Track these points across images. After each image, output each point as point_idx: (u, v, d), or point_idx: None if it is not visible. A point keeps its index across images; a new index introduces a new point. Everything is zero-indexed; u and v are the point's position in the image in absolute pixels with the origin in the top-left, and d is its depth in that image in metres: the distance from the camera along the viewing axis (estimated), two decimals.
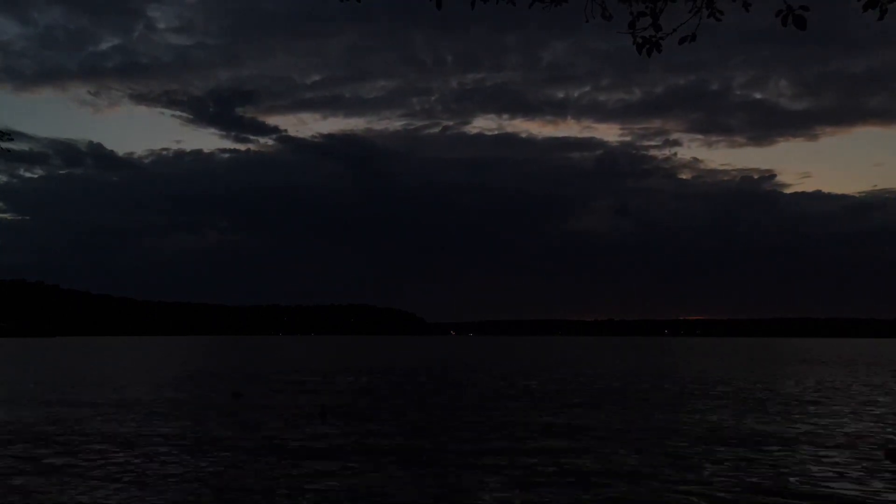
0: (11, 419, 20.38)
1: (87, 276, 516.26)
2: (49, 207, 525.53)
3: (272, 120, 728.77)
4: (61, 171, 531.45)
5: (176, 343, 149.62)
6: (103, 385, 33.17)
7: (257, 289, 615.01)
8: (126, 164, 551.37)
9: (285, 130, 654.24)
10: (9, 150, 26.72)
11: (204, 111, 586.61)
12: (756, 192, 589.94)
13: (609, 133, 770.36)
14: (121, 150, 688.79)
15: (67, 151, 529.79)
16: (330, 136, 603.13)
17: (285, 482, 12.17)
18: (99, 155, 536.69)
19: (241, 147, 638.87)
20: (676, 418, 20.62)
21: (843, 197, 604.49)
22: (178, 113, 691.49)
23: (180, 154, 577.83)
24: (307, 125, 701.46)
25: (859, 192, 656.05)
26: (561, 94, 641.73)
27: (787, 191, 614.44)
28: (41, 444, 16.05)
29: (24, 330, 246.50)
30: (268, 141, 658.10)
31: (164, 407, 23.62)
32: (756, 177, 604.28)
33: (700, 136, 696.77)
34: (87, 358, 68.03)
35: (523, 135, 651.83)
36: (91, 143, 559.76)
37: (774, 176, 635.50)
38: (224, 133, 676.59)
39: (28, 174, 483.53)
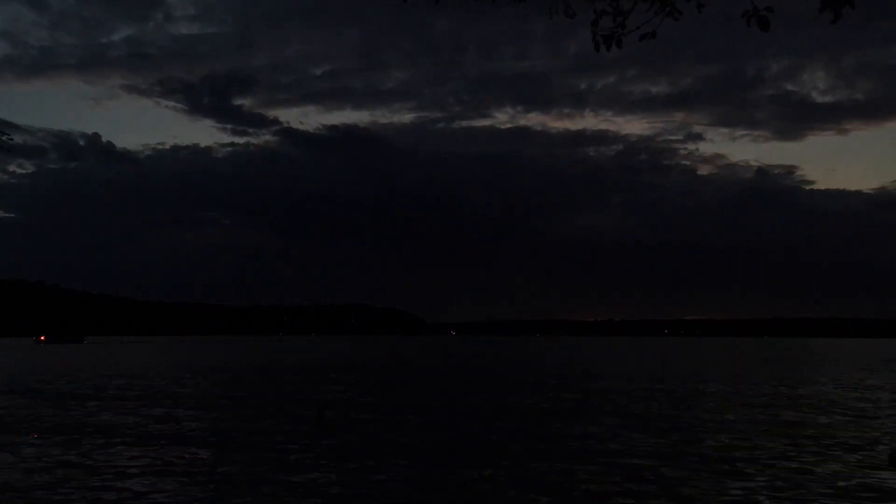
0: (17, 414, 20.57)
1: (87, 276, 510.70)
2: (43, 204, 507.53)
3: (277, 112, 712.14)
4: (55, 166, 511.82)
5: (175, 343, 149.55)
6: (102, 384, 33.33)
7: (257, 289, 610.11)
8: (124, 158, 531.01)
9: (288, 123, 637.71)
10: (9, 150, 26.89)
11: (206, 104, 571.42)
12: (774, 188, 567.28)
13: (629, 126, 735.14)
14: (119, 142, 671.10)
15: (64, 144, 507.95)
16: (335, 130, 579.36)
17: (280, 486, 12.34)
18: (97, 148, 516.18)
19: (243, 140, 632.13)
20: None
21: (858, 194, 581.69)
22: (179, 105, 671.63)
23: (181, 148, 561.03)
24: (313, 117, 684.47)
25: (873, 189, 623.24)
26: (583, 85, 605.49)
27: (808, 187, 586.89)
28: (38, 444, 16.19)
29: (24, 330, 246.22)
30: (270, 135, 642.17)
31: (163, 407, 23.78)
32: (776, 173, 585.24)
33: (725, 130, 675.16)
34: (88, 358, 68.13)
35: (538, 128, 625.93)
36: (89, 135, 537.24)
37: (796, 172, 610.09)
38: (226, 126, 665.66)
39: (21, 170, 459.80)
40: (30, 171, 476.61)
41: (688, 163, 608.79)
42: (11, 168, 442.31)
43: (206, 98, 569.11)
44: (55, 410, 21.66)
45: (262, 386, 31.95)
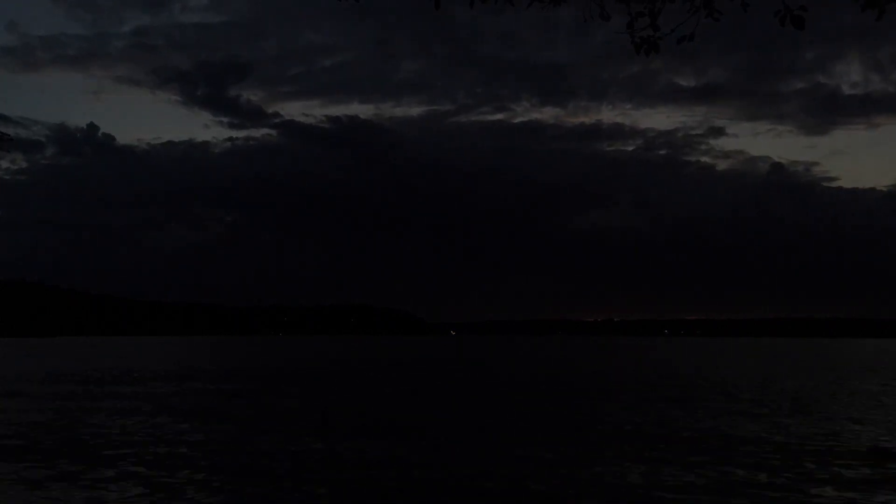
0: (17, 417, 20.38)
1: (87, 276, 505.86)
2: (38, 201, 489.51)
3: (282, 105, 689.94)
4: (51, 161, 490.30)
5: (175, 343, 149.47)
6: (103, 384, 33.13)
7: (257, 289, 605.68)
8: (124, 152, 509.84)
9: (292, 116, 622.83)
10: (8, 152, 26.71)
11: (209, 96, 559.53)
12: (790, 185, 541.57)
13: (648, 120, 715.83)
14: (119, 136, 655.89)
15: (62, 138, 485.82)
16: (339, 123, 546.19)
17: (283, 487, 12.15)
18: (95, 143, 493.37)
19: (246, 134, 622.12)
20: None
21: (872, 191, 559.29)
22: (181, 98, 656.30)
23: (181, 142, 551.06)
24: (319, 110, 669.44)
25: (886, 186, 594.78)
26: (605, 76, 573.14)
27: (828, 184, 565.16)
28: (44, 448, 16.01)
29: (24, 330, 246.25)
30: (272, 128, 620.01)
31: (164, 406, 23.57)
32: (795, 169, 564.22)
33: (748, 124, 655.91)
34: (88, 358, 67.92)
35: (551, 122, 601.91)
36: (87, 129, 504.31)
37: (816, 168, 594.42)
38: (228, 119, 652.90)
39: (14, 166, 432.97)
40: (24, 167, 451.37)
41: (707, 158, 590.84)
42: (5, 165, 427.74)
43: (210, 90, 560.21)
44: None
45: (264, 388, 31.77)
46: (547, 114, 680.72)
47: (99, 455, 14.53)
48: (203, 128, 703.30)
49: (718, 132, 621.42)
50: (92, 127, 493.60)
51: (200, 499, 11.06)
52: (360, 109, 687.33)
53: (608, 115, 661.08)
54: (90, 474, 12.66)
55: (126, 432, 17.67)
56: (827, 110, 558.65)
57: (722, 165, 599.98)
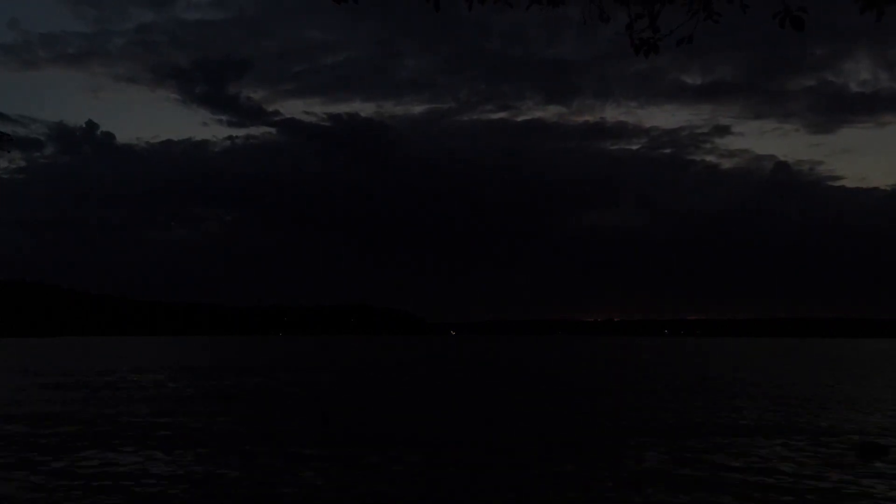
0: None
1: (87, 275, 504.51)
2: (38, 200, 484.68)
3: (284, 104, 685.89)
4: (50, 161, 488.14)
5: (175, 343, 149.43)
6: (101, 385, 33.14)
7: (257, 289, 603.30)
8: (123, 151, 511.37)
9: (293, 115, 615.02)
10: (8, 151, 26.69)
11: (209, 94, 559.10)
12: (794, 184, 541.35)
13: (652, 119, 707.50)
14: (119, 134, 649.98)
15: (61, 136, 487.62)
16: (339, 122, 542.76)
17: (283, 487, 12.15)
18: (94, 141, 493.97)
19: (246, 133, 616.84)
20: None
21: (876, 190, 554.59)
22: (181, 97, 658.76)
23: (181, 140, 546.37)
24: (320, 109, 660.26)
25: (889, 186, 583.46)
26: (611, 74, 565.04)
27: (831, 183, 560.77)
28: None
29: (24, 330, 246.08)
30: (272, 126, 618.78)
31: (164, 406, 23.58)
32: (800, 168, 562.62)
33: (754, 123, 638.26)
34: (88, 359, 67.94)
35: (554, 120, 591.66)
36: (86, 127, 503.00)
37: (821, 167, 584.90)
38: (229, 118, 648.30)
39: (13, 165, 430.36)
40: (23, 166, 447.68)
41: (711, 157, 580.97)
42: (4, 164, 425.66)
43: (209, 88, 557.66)
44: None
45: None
46: (551, 112, 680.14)
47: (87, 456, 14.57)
48: (202, 126, 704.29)
49: (724, 130, 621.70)
50: (91, 125, 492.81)
51: (196, 500, 11.08)
52: (362, 107, 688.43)
53: (612, 113, 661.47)
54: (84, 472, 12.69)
55: (122, 434, 17.71)
56: (834, 109, 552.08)
57: (726, 164, 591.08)
